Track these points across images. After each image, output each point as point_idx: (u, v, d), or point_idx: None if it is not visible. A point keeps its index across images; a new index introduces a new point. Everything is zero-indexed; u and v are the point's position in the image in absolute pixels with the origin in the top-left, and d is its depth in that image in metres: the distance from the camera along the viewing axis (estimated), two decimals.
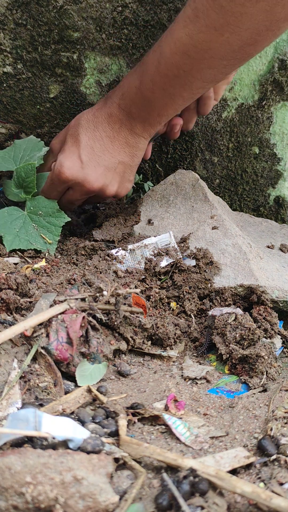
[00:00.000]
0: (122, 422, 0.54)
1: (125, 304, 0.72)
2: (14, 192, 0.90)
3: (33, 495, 0.40)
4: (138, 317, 0.73)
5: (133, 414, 0.57)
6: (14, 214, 0.89)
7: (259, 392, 0.67)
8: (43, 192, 0.91)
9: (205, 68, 0.76)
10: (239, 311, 0.76)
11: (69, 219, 0.89)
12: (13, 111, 1.08)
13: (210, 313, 0.79)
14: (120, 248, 0.90)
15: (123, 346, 0.71)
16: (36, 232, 0.89)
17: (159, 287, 0.86)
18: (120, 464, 0.49)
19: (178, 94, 0.81)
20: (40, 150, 0.93)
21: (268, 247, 1.02)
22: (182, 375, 0.71)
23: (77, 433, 0.48)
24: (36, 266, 0.84)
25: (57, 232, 0.89)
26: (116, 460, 0.48)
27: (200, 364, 0.74)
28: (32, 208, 0.89)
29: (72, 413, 0.56)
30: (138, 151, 0.89)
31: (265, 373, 0.70)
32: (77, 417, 0.55)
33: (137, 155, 0.90)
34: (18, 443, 0.47)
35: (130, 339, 0.72)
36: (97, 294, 0.71)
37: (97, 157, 0.86)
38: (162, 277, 0.88)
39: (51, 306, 0.69)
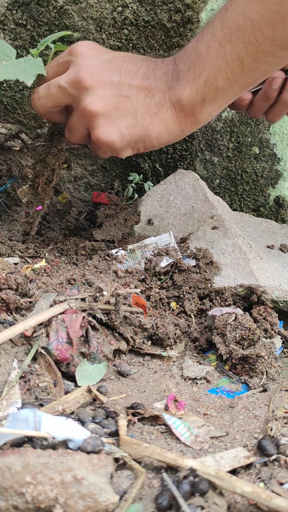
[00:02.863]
0: (122, 422, 0.54)
1: (125, 304, 0.72)
2: None
3: (33, 495, 0.40)
4: (138, 317, 0.73)
5: (133, 414, 0.57)
6: None
7: (259, 392, 0.67)
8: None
9: (280, 23, 0.59)
10: (239, 311, 0.77)
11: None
12: (13, 111, 1.08)
13: (210, 313, 0.79)
14: (120, 248, 0.90)
15: (123, 346, 0.71)
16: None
17: (159, 287, 0.86)
18: (120, 464, 0.49)
19: (236, 57, 0.63)
20: None
21: (268, 247, 1.02)
22: (182, 375, 0.71)
23: (77, 433, 0.48)
24: (36, 266, 0.84)
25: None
26: (116, 460, 0.48)
27: (200, 364, 0.75)
28: None
29: (72, 413, 0.56)
30: (158, 116, 0.69)
31: (265, 373, 0.70)
32: (77, 417, 0.55)
33: (151, 113, 0.69)
34: (18, 443, 0.47)
35: (130, 339, 0.72)
36: (97, 294, 0.71)
37: (122, 82, 0.69)
38: (162, 277, 0.88)
39: (51, 306, 0.69)
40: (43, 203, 0.87)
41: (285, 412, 0.60)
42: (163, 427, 0.57)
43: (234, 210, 1.18)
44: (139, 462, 0.49)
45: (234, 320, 0.74)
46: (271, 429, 0.55)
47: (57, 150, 0.81)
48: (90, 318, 0.67)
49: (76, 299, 0.69)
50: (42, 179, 0.83)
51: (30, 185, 0.86)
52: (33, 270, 0.83)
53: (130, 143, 0.71)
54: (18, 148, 1.09)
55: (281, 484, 0.47)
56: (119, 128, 0.70)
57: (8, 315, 0.69)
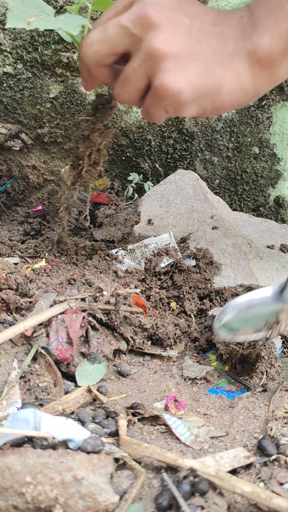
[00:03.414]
0: (122, 422, 0.54)
1: (125, 304, 0.72)
2: None
3: (33, 495, 0.40)
4: (138, 317, 0.73)
5: (133, 414, 0.57)
6: None
7: (259, 392, 0.67)
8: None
9: None
10: None
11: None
12: (13, 111, 1.08)
13: (210, 313, 0.79)
14: (120, 248, 0.90)
15: (123, 346, 0.71)
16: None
17: (159, 287, 0.86)
18: (120, 464, 0.48)
19: None
20: None
21: (268, 247, 1.02)
22: (182, 375, 0.71)
23: (77, 433, 0.48)
24: (36, 266, 0.84)
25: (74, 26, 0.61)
26: (116, 460, 0.48)
27: (200, 364, 0.74)
28: None
29: (72, 413, 0.56)
30: (231, 66, 0.57)
31: (265, 373, 0.70)
32: (77, 417, 0.55)
33: (223, 62, 0.57)
34: (18, 443, 0.47)
35: (130, 339, 0.72)
36: (97, 294, 0.71)
37: (196, 30, 0.57)
38: (162, 277, 0.88)
39: (51, 306, 0.69)
40: (87, 187, 0.72)
41: (285, 412, 0.60)
42: (163, 427, 0.57)
43: (234, 210, 1.18)
44: (139, 462, 0.49)
45: None
46: (271, 429, 0.55)
47: (103, 126, 0.68)
48: (90, 318, 0.67)
49: (76, 299, 0.69)
50: (87, 160, 0.69)
51: (71, 165, 0.72)
52: (33, 270, 0.83)
53: (198, 96, 0.58)
54: (18, 148, 1.09)
55: (281, 484, 0.47)
56: (189, 75, 0.57)
57: (8, 315, 0.69)
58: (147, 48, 0.56)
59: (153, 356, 0.75)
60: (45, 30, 1.00)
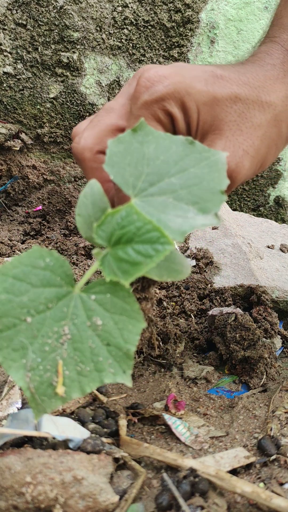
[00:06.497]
0: (122, 422, 0.54)
1: None
2: (87, 230, 0.42)
3: (33, 495, 0.40)
4: None
5: (133, 414, 0.57)
6: (43, 291, 0.38)
7: (259, 392, 0.67)
8: None
9: None
10: (239, 311, 0.76)
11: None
12: (13, 111, 1.08)
13: (210, 313, 0.79)
14: None
15: None
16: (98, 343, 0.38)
17: (159, 287, 0.86)
18: (120, 464, 0.48)
19: None
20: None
21: (268, 247, 1.02)
22: (182, 375, 0.71)
23: (77, 433, 0.48)
24: None
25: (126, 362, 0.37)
26: (116, 460, 0.48)
27: (200, 364, 0.74)
28: (99, 290, 0.41)
29: (72, 413, 0.56)
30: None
31: (265, 373, 0.70)
32: (77, 417, 0.55)
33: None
34: (18, 443, 0.47)
35: None
36: None
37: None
38: None
39: None
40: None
41: (285, 412, 0.60)
42: (163, 427, 0.57)
43: (234, 210, 1.18)
44: (139, 462, 0.49)
45: (234, 320, 0.74)
46: (271, 429, 0.55)
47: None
48: None
49: None
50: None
51: None
52: None
53: None
54: (18, 148, 1.09)
55: (281, 484, 0.47)
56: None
57: None
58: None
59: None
60: (45, 30, 1.00)
